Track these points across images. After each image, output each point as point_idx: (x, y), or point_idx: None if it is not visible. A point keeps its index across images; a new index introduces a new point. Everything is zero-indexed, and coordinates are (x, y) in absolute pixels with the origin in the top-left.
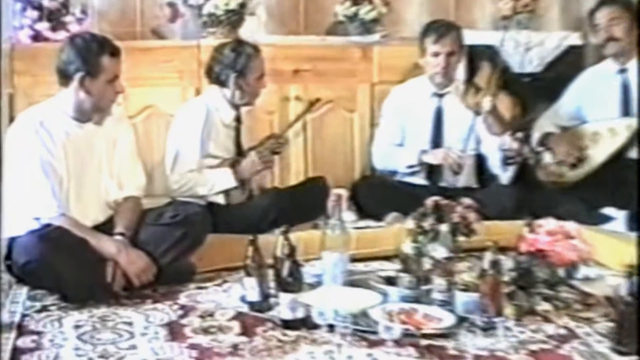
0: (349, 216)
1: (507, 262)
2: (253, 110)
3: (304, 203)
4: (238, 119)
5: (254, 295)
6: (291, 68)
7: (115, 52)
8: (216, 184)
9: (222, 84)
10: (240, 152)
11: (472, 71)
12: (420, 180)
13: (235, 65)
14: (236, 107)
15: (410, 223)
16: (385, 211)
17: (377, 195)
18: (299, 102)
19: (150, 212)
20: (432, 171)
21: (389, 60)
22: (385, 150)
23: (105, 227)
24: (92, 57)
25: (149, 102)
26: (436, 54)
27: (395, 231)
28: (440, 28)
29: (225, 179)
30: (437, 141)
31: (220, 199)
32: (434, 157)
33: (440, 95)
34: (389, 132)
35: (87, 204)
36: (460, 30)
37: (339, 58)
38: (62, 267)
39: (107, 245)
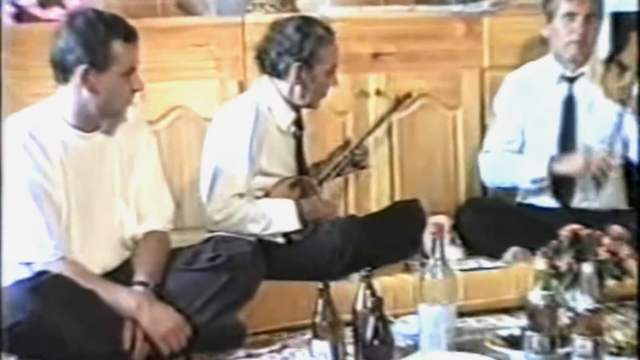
0: (453, 253)
1: None
2: (318, 111)
3: (391, 237)
4: (298, 123)
5: None
6: (369, 51)
7: (130, 36)
8: (273, 221)
9: (279, 75)
10: (302, 169)
11: (615, 46)
12: (549, 201)
13: (300, 51)
14: (296, 107)
15: (539, 262)
16: (504, 246)
17: (491, 223)
18: (381, 98)
19: (181, 253)
20: (562, 186)
21: (503, 37)
22: (499, 159)
23: (120, 275)
24: (99, 43)
25: (177, 101)
26: (571, 16)
27: (518, 273)
28: None
29: (287, 216)
30: (567, 144)
31: (277, 235)
32: (570, 166)
33: (572, 80)
34: (503, 134)
35: (96, 242)
36: None
37: (434, 35)
38: (63, 329)
39: (123, 298)
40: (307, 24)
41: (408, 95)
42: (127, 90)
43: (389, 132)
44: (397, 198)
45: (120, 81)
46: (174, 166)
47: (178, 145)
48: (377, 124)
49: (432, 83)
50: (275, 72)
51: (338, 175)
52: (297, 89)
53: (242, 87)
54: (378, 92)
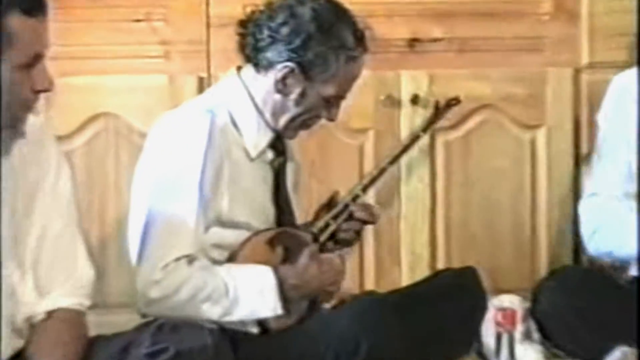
0: (528, 354)
1: None
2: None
3: (431, 327)
4: (278, 147)
5: None
6: (403, 36)
7: (34, 6)
8: (242, 300)
9: (257, 65)
10: (285, 216)
11: None
12: None
13: (301, 50)
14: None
15: None
16: (607, 343)
17: (588, 308)
18: (419, 109)
19: (105, 344)
20: None
21: (611, 19)
22: (615, 210)
23: None
24: None
25: (101, 107)
26: None
27: None
28: None
29: (262, 292)
30: None
31: (250, 323)
32: None
33: None
34: (616, 166)
35: None
36: None
37: (505, 14)
38: None
39: None
40: (335, 14)
41: (455, 101)
42: (28, 91)
43: (432, 161)
44: (441, 265)
45: (17, 76)
46: (95, 207)
47: (102, 173)
48: (405, 148)
49: (500, 87)
50: (255, 60)
51: (331, 238)
52: (274, 99)
53: (203, 87)
54: (415, 100)
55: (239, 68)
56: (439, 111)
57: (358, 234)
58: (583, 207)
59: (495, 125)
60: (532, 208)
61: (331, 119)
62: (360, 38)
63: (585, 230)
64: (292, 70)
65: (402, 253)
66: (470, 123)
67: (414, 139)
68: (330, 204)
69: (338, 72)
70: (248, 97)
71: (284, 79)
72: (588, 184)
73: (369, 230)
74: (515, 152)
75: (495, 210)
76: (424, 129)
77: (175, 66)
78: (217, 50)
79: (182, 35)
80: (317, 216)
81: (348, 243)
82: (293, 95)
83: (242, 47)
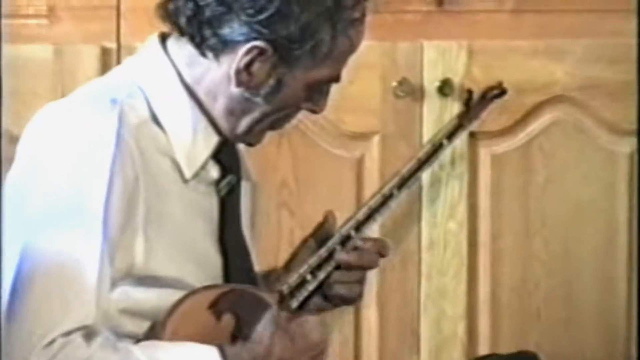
0: None
1: None
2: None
3: None
4: (225, 159)
5: None
6: None
7: None
8: None
9: (200, 44)
10: (232, 269)
11: None
12: None
13: (278, 21)
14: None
15: None
16: None
17: None
18: (453, 102)
19: None
20: None
21: None
22: None
23: None
24: None
25: None
26: None
27: None
28: None
29: None
30: None
31: None
32: None
33: None
34: None
35: None
36: None
37: None
38: None
39: None
40: None
41: (497, 91)
42: None
43: (471, 186)
44: (484, 349)
45: None
46: None
47: None
48: (420, 165)
49: (579, 69)
50: (198, 38)
51: (307, 300)
52: (231, 95)
53: (109, 63)
54: (445, 87)
55: (163, 37)
56: (470, 107)
57: (360, 283)
58: None
59: (573, 130)
60: (628, 261)
61: (316, 111)
62: None
63: None
64: (261, 53)
65: (423, 331)
66: (533, 126)
67: (434, 149)
68: (318, 234)
69: (333, 47)
70: (178, 81)
71: (248, 66)
72: None
73: (369, 294)
74: (604, 173)
75: (570, 266)
76: (449, 135)
77: (66, 31)
78: (132, 8)
79: None
80: (293, 257)
81: (346, 301)
82: (264, 90)
83: (167, 15)
